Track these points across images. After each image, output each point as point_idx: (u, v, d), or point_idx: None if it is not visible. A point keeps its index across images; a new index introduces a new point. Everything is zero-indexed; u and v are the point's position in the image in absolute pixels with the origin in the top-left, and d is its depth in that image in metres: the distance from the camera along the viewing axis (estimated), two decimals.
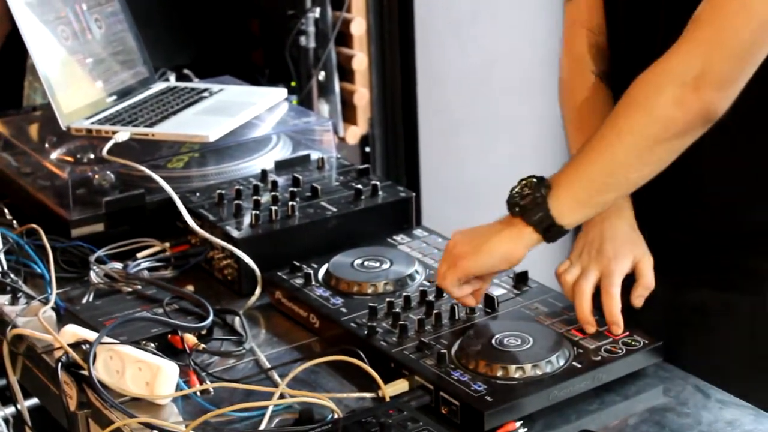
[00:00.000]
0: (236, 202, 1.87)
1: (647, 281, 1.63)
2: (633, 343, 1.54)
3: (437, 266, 1.64)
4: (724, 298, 1.78)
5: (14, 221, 1.96)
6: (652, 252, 1.69)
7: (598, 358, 1.51)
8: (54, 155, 2.05)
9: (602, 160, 1.56)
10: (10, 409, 2.14)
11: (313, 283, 1.71)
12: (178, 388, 1.49)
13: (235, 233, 1.79)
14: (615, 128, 1.56)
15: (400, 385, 1.48)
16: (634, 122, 1.54)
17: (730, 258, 1.78)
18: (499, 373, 1.46)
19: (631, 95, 1.56)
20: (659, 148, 1.54)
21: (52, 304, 1.70)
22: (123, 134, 2.05)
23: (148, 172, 1.92)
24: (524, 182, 1.57)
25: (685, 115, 1.51)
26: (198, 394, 1.50)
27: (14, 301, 1.75)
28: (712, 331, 1.78)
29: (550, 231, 1.54)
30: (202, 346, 1.61)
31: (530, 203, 1.54)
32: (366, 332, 1.57)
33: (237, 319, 1.68)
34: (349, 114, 3.06)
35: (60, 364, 1.54)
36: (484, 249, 1.57)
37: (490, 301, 1.66)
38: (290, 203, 1.86)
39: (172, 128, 2.11)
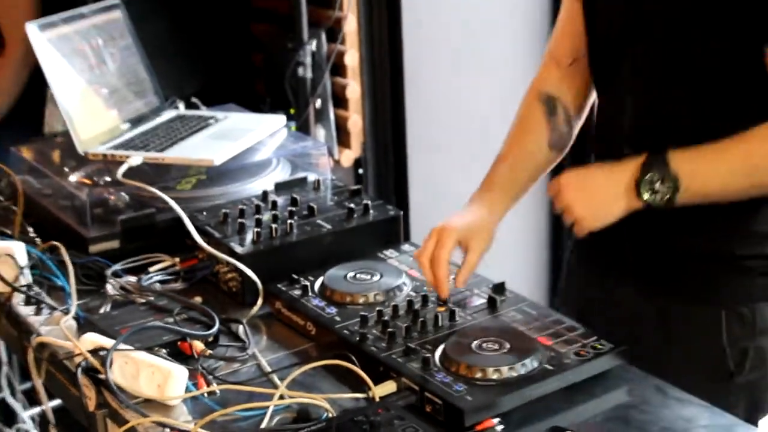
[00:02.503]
0: (239, 220, 1.87)
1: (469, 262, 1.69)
2: (599, 347, 1.56)
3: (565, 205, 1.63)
4: (686, 310, 1.79)
5: (38, 239, 1.96)
6: (634, 268, 1.75)
7: (568, 360, 1.52)
8: (73, 178, 2.06)
9: (726, 179, 1.61)
10: (36, 410, 2.17)
11: (310, 294, 1.72)
12: (187, 390, 1.50)
13: (238, 249, 1.80)
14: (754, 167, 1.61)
15: (389, 387, 1.49)
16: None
17: (695, 275, 1.78)
18: (478, 375, 1.48)
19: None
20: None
21: (72, 314, 1.71)
22: (136, 158, 2.06)
23: (159, 193, 1.93)
24: (657, 178, 1.57)
25: None
26: (205, 395, 1.51)
27: (38, 312, 1.76)
28: (671, 336, 1.79)
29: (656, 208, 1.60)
30: (209, 352, 1.62)
31: (665, 203, 1.57)
32: (357, 338, 1.58)
33: (241, 327, 1.69)
34: (343, 138, 3.07)
35: (80, 369, 1.56)
36: (603, 215, 1.61)
37: (486, 302, 1.69)
38: (289, 221, 1.87)
39: (180, 153, 2.12)
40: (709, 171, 1.61)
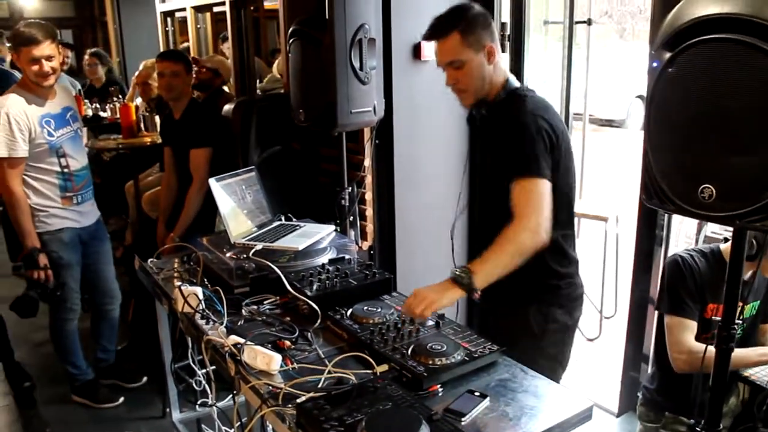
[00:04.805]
0: (310, 278, 1.87)
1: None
2: (492, 348, 1.55)
3: (409, 306, 1.60)
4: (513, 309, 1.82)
5: (208, 285, 1.96)
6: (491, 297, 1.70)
7: (477, 354, 1.51)
8: (228, 254, 2.05)
9: (501, 264, 1.62)
10: (204, 371, 2.13)
11: (345, 317, 1.71)
12: (282, 366, 1.50)
13: (309, 293, 1.79)
14: (509, 251, 1.62)
15: (384, 367, 1.49)
16: (520, 249, 1.62)
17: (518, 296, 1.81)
18: (430, 362, 1.47)
19: (509, 237, 1.62)
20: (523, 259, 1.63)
21: (224, 325, 1.71)
22: (259, 246, 2.07)
23: (270, 264, 1.93)
24: (461, 270, 1.60)
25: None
26: (290, 369, 1.51)
27: (207, 323, 1.76)
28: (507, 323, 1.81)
29: (469, 291, 1.60)
30: (293, 346, 1.62)
31: (467, 281, 1.58)
32: (368, 341, 1.57)
33: (309, 334, 1.68)
34: (364, 236, 3.07)
35: (227, 353, 1.56)
36: (444, 297, 1.59)
37: (435, 325, 1.66)
38: (335, 279, 1.87)
39: (281, 243, 2.12)
40: (490, 270, 1.62)
